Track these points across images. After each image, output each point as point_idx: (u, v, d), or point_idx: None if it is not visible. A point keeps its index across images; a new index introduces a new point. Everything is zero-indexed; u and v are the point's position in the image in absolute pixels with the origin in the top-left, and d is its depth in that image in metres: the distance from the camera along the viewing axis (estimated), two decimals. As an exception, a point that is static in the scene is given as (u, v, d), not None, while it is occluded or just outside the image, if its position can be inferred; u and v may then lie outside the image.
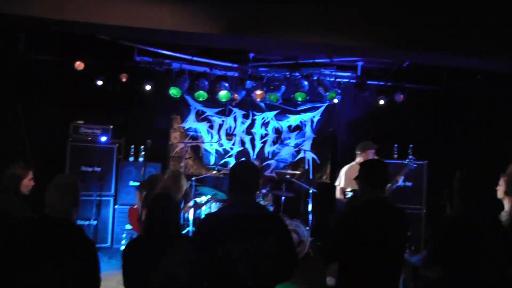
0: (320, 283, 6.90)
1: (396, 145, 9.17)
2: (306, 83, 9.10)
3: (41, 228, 3.43)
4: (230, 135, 10.10)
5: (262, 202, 8.22)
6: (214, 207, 8.09)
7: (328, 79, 9.42)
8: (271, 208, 8.47)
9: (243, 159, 9.67)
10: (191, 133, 9.86)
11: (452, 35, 5.95)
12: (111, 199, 8.68)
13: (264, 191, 8.47)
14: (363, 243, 3.71)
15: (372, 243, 3.72)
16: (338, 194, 7.08)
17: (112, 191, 8.69)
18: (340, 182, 7.16)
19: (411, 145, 8.33)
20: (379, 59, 8.62)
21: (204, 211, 8.16)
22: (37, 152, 8.08)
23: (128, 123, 9.32)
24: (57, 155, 8.40)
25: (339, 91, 9.33)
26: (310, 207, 8.71)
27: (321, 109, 10.24)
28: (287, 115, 10.22)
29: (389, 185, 6.53)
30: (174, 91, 8.76)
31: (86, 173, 8.46)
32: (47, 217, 3.49)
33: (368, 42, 5.88)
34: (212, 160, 9.97)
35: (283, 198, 8.88)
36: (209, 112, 9.97)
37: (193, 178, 8.45)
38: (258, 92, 9.15)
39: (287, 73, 9.27)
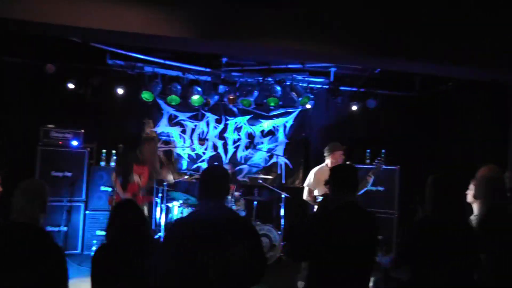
0: (291, 287, 6.91)
1: (368, 150, 9.25)
2: (279, 88, 9.13)
3: (7, 234, 3.37)
4: (202, 139, 10.06)
5: (234, 207, 8.22)
6: (186, 212, 8.06)
7: (301, 84, 9.43)
8: (243, 213, 8.47)
9: (215, 163, 9.64)
10: (164, 137, 9.79)
11: (424, 43, 6.02)
12: (82, 205, 8.51)
13: (236, 195, 8.47)
14: (334, 246, 3.72)
15: (343, 246, 3.73)
16: (305, 195, 7.12)
17: (83, 197, 8.53)
18: (308, 183, 7.18)
19: (383, 150, 8.40)
20: (352, 65, 8.66)
21: (176, 216, 8.12)
22: (6, 157, 7.92)
23: (100, 127, 9.18)
24: (27, 160, 8.23)
25: (312, 96, 9.36)
26: (282, 212, 8.73)
27: (294, 114, 10.27)
28: (260, 120, 10.23)
29: (362, 184, 6.61)
30: (146, 95, 8.68)
31: (57, 178, 8.29)
32: (14, 222, 3.43)
33: (340, 49, 5.92)
34: (184, 165, 9.92)
35: (255, 202, 8.86)
36: (181, 116, 9.92)
37: (165, 183, 8.40)
38: (231, 96, 9.15)
39: (260, 78, 9.26)
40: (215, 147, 10.12)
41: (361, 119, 9.75)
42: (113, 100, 8.99)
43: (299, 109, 10.14)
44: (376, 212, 7.86)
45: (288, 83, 9.24)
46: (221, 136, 10.14)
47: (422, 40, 6.00)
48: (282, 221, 8.67)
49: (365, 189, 6.84)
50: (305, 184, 7.28)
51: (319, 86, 9.75)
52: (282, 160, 10.21)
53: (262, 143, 10.25)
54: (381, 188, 8.71)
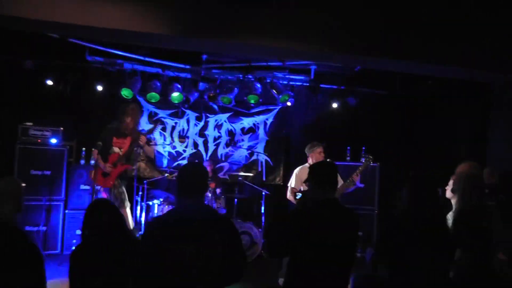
0: (272, 285, 6.90)
1: (348, 148, 9.30)
2: (259, 85, 9.13)
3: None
4: (183, 137, 10.03)
5: (215, 205, 8.20)
6: (166, 210, 8.02)
7: (281, 82, 9.44)
8: (224, 211, 8.45)
9: (196, 161, 9.62)
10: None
11: (404, 42, 6.07)
12: (62, 204, 8.36)
13: (217, 192, 8.46)
14: (313, 242, 3.71)
15: (322, 243, 3.73)
16: (288, 194, 7.16)
17: (63, 195, 8.38)
18: (291, 182, 7.23)
19: (363, 148, 8.46)
20: (332, 63, 8.68)
21: (156, 214, 8.09)
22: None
23: (79, 124, 9.09)
24: (5, 158, 8.12)
25: (292, 94, 9.37)
26: (263, 209, 8.73)
27: (274, 111, 10.28)
28: (240, 117, 10.22)
29: (349, 182, 6.62)
30: (126, 92, 8.62)
31: (36, 177, 8.13)
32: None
33: (320, 46, 5.94)
34: (165, 162, 9.88)
35: (236, 200, 8.84)
36: (162, 114, 9.88)
37: (145, 181, 8.36)
38: (211, 94, 9.13)
39: (240, 75, 9.25)
40: (195, 145, 10.09)
41: (341, 117, 9.77)
42: (93, 97, 8.90)
43: (280, 107, 10.15)
44: (356, 208, 7.90)
45: (268, 81, 9.24)
46: (201, 133, 10.12)
47: (402, 39, 6.05)
48: (263, 219, 8.67)
49: (354, 187, 6.85)
50: (288, 184, 7.32)
51: (300, 83, 9.75)
52: (263, 158, 10.21)
53: (242, 140, 10.24)
54: (361, 185, 8.76)
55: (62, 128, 8.48)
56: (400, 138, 9.84)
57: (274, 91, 9.21)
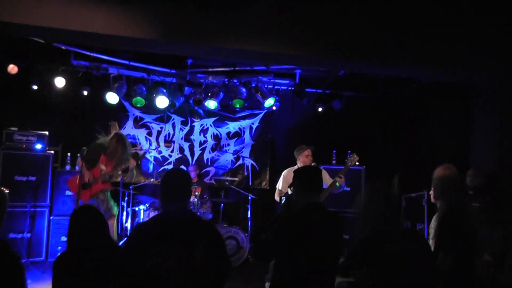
0: (259, 288, 6.91)
1: (334, 151, 9.32)
2: (244, 90, 9.14)
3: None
4: (168, 142, 10.02)
5: (200, 210, 8.19)
6: (152, 215, 7.98)
7: (266, 86, 9.43)
8: (210, 216, 8.45)
9: (181, 166, 9.61)
10: (130, 140, 9.66)
11: (387, 45, 6.11)
12: (46, 210, 8.26)
13: (203, 197, 8.46)
14: (298, 246, 3.72)
15: (309, 246, 3.74)
16: (276, 196, 7.21)
17: (48, 202, 8.28)
18: (279, 184, 7.29)
19: (349, 151, 8.48)
20: (316, 67, 8.71)
21: (143, 220, 8.06)
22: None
23: (64, 129, 9.05)
24: (-12, 163, 8.04)
25: (278, 98, 9.38)
26: (249, 214, 8.74)
27: (260, 116, 10.31)
28: (226, 122, 10.24)
29: (332, 184, 6.62)
30: (111, 98, 8.59)
31: (20, 183, 8.04)
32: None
33: (304, 50, 5.96)
34: (150, 167, 9.85)
35: (222, 205, 8.82)
36: (147, 118, 9.87)
37: (131, 186, 8.33)
38: (197, 98, 9.12)
39: (226, 79, 9.25)
40: (181, 149, 10.09)
41: (326, 121, 9.82)
42: (78, 102, 8.87)
43: (265, 111, 10.17)
44: (342, 211, 7.92)
45: (253, 85, 9.25)
46: (187, 138, 10.12)
47: (386, 42, 6.09)
48: (249, 223, 8.68)
49: (341, 189, 6.86)
50: (276, 186, 7.36)
51: (285, 87, 9.77)
52: (249, 162, 10.22)
53: (228, 145, 10.25)
54: (347, 188, 8.79)
55: (47, 133, 8.39)
56: (385, 141, 9.88)
57: (259, 95, 9.21)
